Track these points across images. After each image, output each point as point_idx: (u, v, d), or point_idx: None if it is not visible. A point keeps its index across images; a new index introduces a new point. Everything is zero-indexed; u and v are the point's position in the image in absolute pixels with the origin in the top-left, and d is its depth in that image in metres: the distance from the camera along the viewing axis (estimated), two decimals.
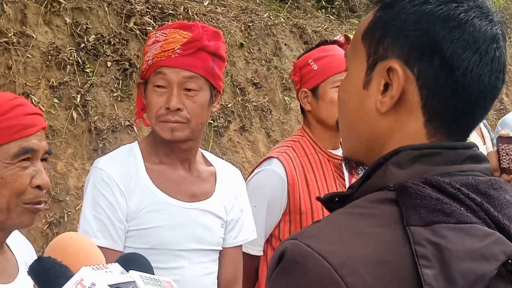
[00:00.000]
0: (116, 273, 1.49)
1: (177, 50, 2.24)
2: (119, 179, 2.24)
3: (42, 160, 1.75)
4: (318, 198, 1.14)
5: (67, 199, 5.72)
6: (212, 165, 2.46)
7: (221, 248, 2.40)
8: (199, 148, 2.44)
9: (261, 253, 2.79)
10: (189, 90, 2.25)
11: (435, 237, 0.95)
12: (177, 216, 2.27)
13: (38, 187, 1.71)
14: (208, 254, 2.35)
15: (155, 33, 2.30)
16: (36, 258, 1.47)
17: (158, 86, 2.26)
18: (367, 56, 1.09)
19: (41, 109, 5.58)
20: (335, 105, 2.77)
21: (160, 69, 2.25)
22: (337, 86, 2.71)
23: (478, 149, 1.09)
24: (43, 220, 5.59)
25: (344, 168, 2.94)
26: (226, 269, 2.41)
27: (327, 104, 2.80)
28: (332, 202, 1.09)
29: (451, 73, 1.03)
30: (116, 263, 1.54)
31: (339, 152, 2.91)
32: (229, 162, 2.70)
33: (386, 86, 1.06)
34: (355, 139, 1.11)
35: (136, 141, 2.42)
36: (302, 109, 2.93)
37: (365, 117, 1.08)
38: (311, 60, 2.83)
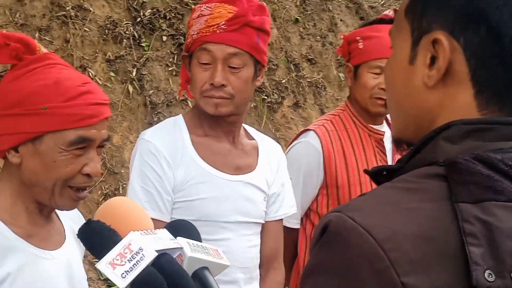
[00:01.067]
0: (164, 239, 1.50)
1: (222, 26, 2.25)
2: (166, 151, 2.27)
3: (99, 146, 1.75)
4: (366, 171, 1.12)
5: (122, 171, 5.82)
6: (254, 139, 2.47)
7: (263, 222, 2.42)
8: None
9: (298, 226, 2.81)
10: (233, 66, 2.26)
11: (484, 215, 0.93)
12: (222, 188, 2.30)
13: (88, 174, 1.72)
14: (251, 226, 2.37)
15: (199, 7, 2.31)
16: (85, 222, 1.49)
17: (203, 63, 2.27)
18: (411, 31, 1.07)
19: (97, 83, 5.67)
20: (367, 90, 2.77)
21: (204, 45, 2.26)
22: (374, 73, 2.71)
23: None
24: (99, 192, 5.70)
25: (385, 143, 2.94)
26: (268, 243, 2.43)
27: (361, 86, 2.80)
28: (380, 175, 1.07)
29: (499, 41, 1.01)
30: (165, 229, 1.55)
31: (382, 128, 2.89)
32: (282, 138, 2.70)
33: (433, 60, 1.04)
34: (404, 117, 1.09)
35: (180, 114, 2.44)
36: None
37: (413, 93, 1.06)
38: (359, 37, 2.82)
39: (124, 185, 5.45)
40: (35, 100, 1.67)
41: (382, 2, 7.88)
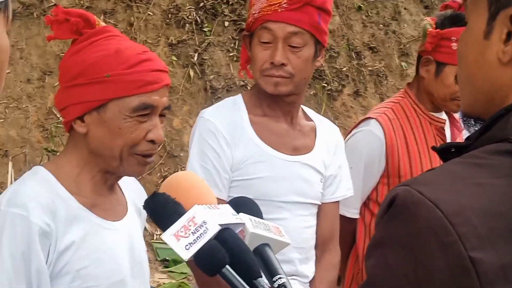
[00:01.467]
0: (227, 214, 1.51)
1: (284, 5, 2.25)
2: (225, 129, 2.29)
3: (160, 115, 1.79)
4: (434, 148, 1.11)
5: (181, 155, 5.88)
6: (312, 120, 2.47)
7: (320, 203, 2.42)
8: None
9: (357, 216, 2.78)
10: (294, 46, 2.27)
11: None
12: (279, 168, 2.31)
13: (152, 141, 1.75)
14: (308, 207, 2.38)
15: None
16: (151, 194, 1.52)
17: (264, 42, 2.28)
18: (488, 5, 1.05)
19: None
20: (450, 90, 2.74)
21: (266, 24, 2.27)
22: None
23: None
24: (158, 174, 5.78)
25: (446, 131, 2.89)
26: (324, 224, 2.43)
27: (443, 85, 2.77)
28: (448, 152, 1.06)
29: None
30: (227, 205, 1.57)
31: (442, 116, 2.85)
32: (341, 127, 2.69)
33: (509, 35, 1.02)
34: (475, 93, 1.08)
35: (240, 94, 2.45)
36: (417, 70, 2.88)
37: (486, 68, 1.05)
38: (454, 38, 2.76)
39: (183, 168, 5.52)
40: (98, 69, 1.73)
41: None
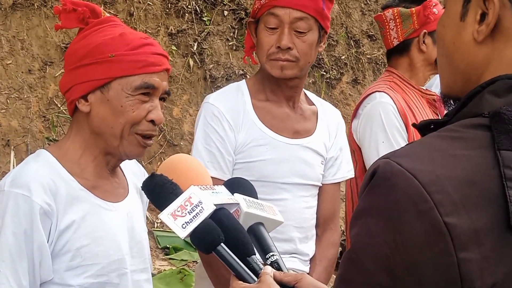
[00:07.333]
0: (222, 194, 1.57)
1: None
2: (229, 114, 2.39)
3: (160, 99, 1.86)
4: (414, 125, 1.17)
5: (181, 143, 5.93)
6: (314, 104, 2.56)
7: (321, 184, 2.51)
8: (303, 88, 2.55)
9: None
10: (299, 31, 2.35)
11: None
12: (281, 151, 2.40)
13: (152, 121, 1.82)
14: (308, 188, 2.46)
15: None
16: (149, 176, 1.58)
17: (270, 28, 2.37)
18: None
19: None
20: None
21: (272, 9, 2.36)
22: None
23: None
24: (158, 163, 5.82)
25: (438, 104, 2.97)
26: (325, 204, 2.51)
27: None
28: (427, 129, 1.12)
29: None
30: (223, 186, 1.62)
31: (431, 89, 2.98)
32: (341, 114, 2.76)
33: (483, 17, 1.08)
34: (453, 72, 1.13)
35: (244, 79, 2.55)
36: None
37: (462, 48, 1.10)
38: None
39: None
40: (102, 50, 1.81)
41: None
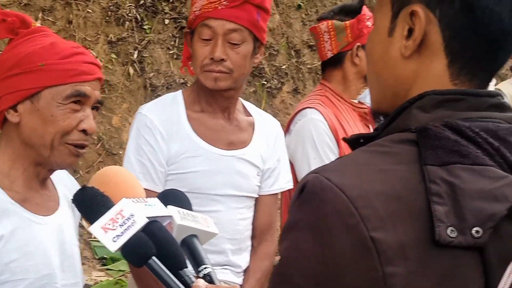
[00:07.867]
0: (155, 207, 1.55)
1: (224, 2, 2.34)
2: (161, 125, 2.37)
3: (93, 108, 1.83)
4: (344, 139, 1.18)
5: (120, 152, 5.86)
6: (251, 115, 2.55)
7: (257, 196, 2.50)
8: (241, 99, 2.56)
9: None
10: (233, 42, 2.35)
11: (449, 177, 0.98)
12: (214, 162, 2.39)
13: (84, 131, 1.79)
14: (243, 200, 2.45)
15: None
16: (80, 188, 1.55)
17: (204, 39, 2.37)
18: (391, 5, 1.12)
19: None
20: None
21: (206, 21, 2.36)
22: None
23: (503, 98, 1.11)
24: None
25: (369, 117, 3.02)
26: (261, 215, 2.51)
27: None
28: (357, 143, 1.13)
29: (471, 12, 1.06)
30: (156, 198, 1.60)
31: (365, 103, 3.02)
32: (281, 123, 2.77)
33: (410, 32, 1.09)
34: (382, 89, 1.15)
35: (180, 90, 2.53)
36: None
37: (390, 64, 1.11)
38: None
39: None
40: (32, 59, 1.78)
41: None
